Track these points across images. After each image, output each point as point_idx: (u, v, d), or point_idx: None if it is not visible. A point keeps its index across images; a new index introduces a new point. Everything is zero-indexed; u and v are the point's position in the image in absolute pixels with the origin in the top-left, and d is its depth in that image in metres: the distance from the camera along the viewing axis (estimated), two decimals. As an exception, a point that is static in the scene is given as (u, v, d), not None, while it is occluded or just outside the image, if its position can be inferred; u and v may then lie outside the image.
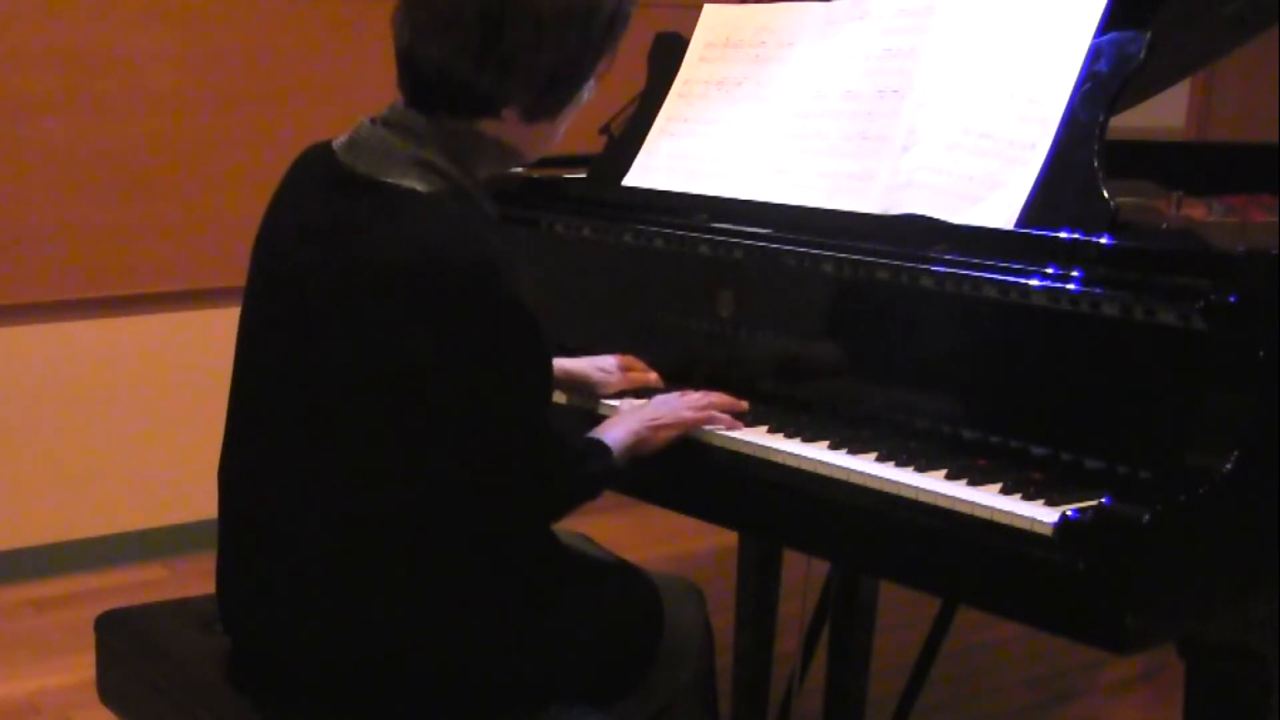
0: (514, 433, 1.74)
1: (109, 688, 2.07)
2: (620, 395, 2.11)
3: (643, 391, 2.12)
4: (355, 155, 1.78)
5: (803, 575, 2.46)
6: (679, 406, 1.97)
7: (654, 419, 1.95)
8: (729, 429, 1.94)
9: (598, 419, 2.02)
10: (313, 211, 1.79)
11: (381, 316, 1.68)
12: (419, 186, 1.73)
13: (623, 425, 1.93)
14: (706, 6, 2.34)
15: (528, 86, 1.77)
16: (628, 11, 1.82)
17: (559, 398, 2.06)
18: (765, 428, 1.93)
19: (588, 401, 2.12)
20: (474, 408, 1.69)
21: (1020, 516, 1.62)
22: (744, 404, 1.99)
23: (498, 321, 1.69)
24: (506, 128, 1.80)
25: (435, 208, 1.72)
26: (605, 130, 2.40)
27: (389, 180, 1.73)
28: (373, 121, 1.80)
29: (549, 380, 1.79)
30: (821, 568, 2.59)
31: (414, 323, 1.67)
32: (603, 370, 2.13)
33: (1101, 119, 1.80)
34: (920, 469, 1.75)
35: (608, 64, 1.84)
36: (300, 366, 1.75)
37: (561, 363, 2.02)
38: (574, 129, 1.97)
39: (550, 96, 1.80)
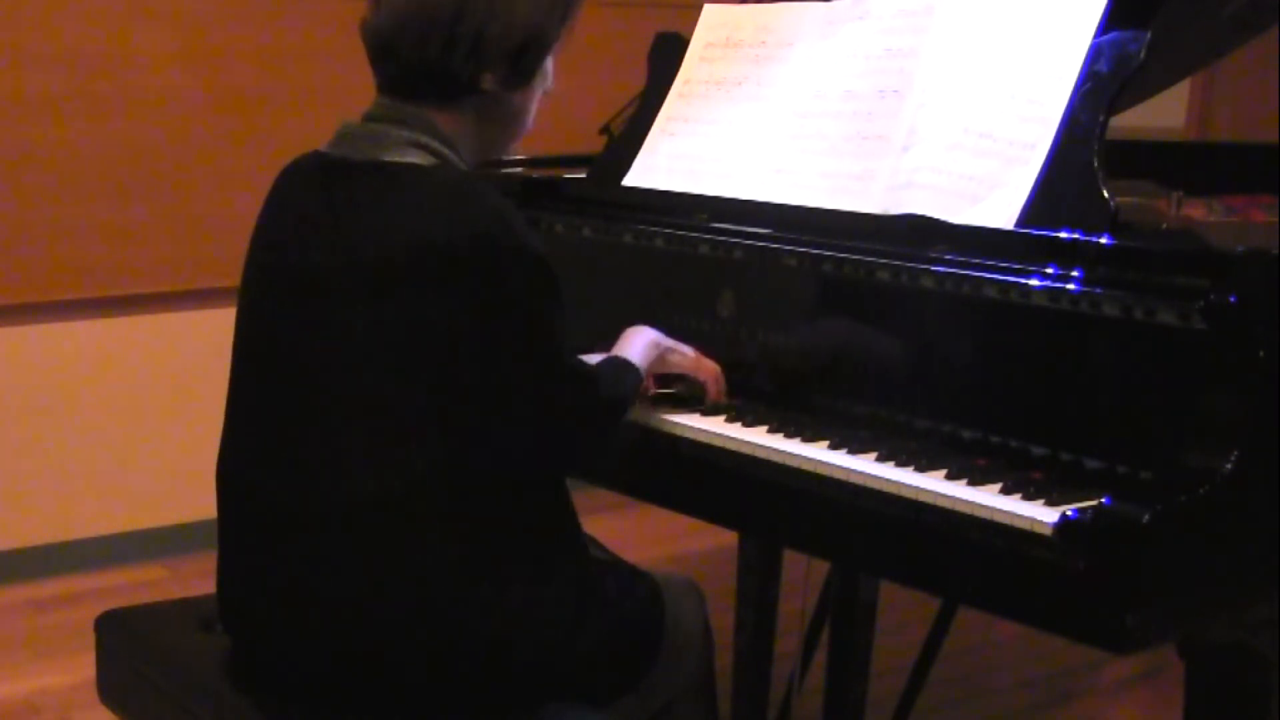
0: (544, 374, 1.77)
1: (109, 688, 2.07)
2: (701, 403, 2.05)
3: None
4: (347, 147, 1.81)
5: (803, 575, 2.46)
6: (692, 352, 2.04)
7: (670, 343, 2.02)
8: (720, 417, 1.97)
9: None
10: (311, 203, 1.80)
11: (399, 286, 1.70)
12: (419, 161, 1.77)
13: (641, 339, 2.00)
14: (706, 6, 2.34)
15: (502, 56, 1.81)
16: None
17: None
18: (765, 428, 1.93)
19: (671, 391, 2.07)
20: (503, 361, 1.72)
21: (1020, 516, 1.62)
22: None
23: (517, 272, 1.72)
24: (487, 102, 1.84)
25: (438, 177, 1.77)
26: (605, 130, 2.40)
27: (387, 159, 1.77)
28: (360, 119, 1.84)
29: (565, 320, 1.82)
30: (821, 568, 2.59)
31: (434, 288, 1.69)
32: (702, 371, 2.06)
33: (1101, 119, 1.80)
34: (920, 469, 1.75)
35: (569, 28, 1.89)
36: (313, 355, 1.76)
37: (675, 346, 2.04)
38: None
39: (524, 61, 1.84)
